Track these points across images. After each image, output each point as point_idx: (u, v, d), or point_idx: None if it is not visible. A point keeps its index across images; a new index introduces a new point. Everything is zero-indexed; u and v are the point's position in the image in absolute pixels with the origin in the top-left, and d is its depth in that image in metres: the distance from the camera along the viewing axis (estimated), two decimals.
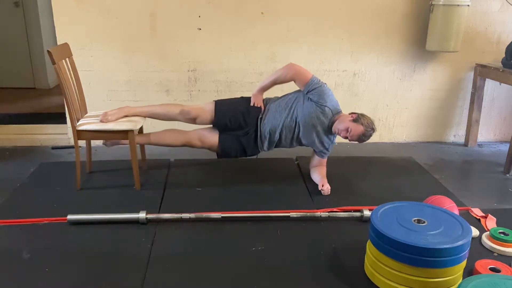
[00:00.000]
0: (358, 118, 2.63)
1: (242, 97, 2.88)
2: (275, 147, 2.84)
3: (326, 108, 2.66)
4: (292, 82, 2.73)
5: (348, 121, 2.62)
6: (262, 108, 2.79)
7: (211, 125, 2.83)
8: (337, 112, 2.72)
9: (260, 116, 2.77)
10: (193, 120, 2.79)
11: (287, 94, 2.83)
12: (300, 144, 2.81)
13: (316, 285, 1.88)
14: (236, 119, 2.75)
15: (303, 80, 2.67)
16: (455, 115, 3.90)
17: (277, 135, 2.74)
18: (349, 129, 2.60)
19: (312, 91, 2.66)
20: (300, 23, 3.49)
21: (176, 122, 2.87)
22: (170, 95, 3.57)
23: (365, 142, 2.75)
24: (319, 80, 2.68)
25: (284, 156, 3.31)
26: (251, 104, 2.78)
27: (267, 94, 2.85)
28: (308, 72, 2.70)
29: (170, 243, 2.17)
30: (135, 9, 3.35)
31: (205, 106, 2.81)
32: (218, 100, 2.87)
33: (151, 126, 3.21)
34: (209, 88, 3.59)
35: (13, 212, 2.44)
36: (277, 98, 2.84)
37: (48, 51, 2.44)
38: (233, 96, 2.98)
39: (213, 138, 2.80)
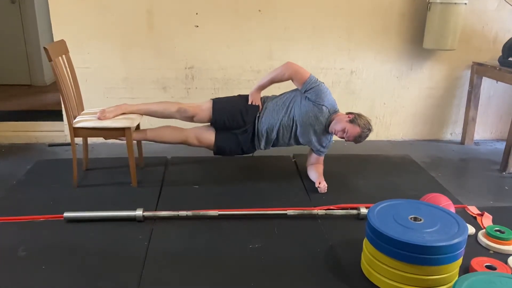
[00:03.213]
0: (355, 118, 2.61)
1: (239, 95, 2.87)
2: (273, 146, 2.83)
3: (324, 107, 2.66)
4: (291, 80, 2.72)
5: (345, 121, 2.61)
6: (260, 106, 2.78)
7: (209, 124, 2.83)
8: (334, 111, 2.71)
9: (258, 115, 2.76)
10: (190, 119, 2.77)
11: (284, 93, 2.82)
12: (298, 143, 2.81)
13: (312, 282, 1.89)
14: (234, 118, 2.74)
15: (301, 79, 2.66)
16: (452, 113, 3.90)
17: (274, 134, 2.74)
18: (346, 130, 2.59)
19: (309, 90, 2.65)
20: (298, 21, 3.49)
21: (173, 119, 2.86)
22: (167, 92, 3.57)
23: None
24: (317, 79, 2.67)
25: (281, 153, 3.31)
26: (249, 102, 2.77)
27: (265, 92, 2.85)
28: (306, 71, 2.68)
29: (167, 241, 2.17)
30: (132, 6, 3.33)
31: (203, 105, 2.79)
32: (215, 98, 2.85)
33: (148, 124, 3.21)
34: (206, 85, 3.58)
35: (9, 209, 2.43)
36: (275, 97, 2.83)
37: (44, 47, 2.42)
38: (230, 94, 2.98)
39: (210, 136, 2.79)
